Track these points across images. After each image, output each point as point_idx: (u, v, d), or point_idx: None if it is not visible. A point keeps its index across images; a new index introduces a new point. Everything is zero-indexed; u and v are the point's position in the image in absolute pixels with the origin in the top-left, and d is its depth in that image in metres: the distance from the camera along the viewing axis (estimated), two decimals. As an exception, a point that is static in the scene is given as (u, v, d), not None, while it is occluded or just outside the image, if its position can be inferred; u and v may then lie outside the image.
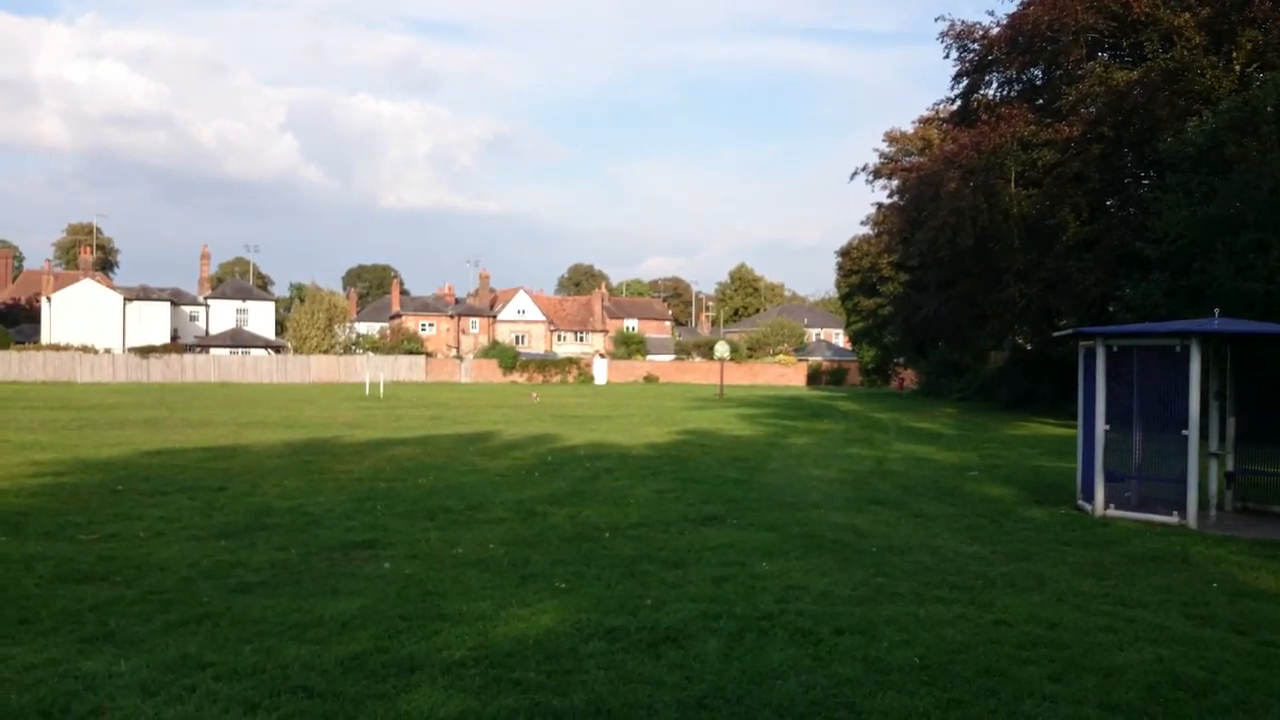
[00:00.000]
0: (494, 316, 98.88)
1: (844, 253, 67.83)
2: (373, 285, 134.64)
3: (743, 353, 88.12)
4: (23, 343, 70.60)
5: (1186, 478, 11.65)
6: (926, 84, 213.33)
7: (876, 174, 51.51)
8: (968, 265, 38.39)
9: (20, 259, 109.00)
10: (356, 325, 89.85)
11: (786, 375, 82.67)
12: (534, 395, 52.44)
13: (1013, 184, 35.67)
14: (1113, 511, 12.34)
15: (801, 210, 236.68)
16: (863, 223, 64.18)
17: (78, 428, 24.75)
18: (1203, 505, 12.15)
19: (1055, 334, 20.69)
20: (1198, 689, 5.89)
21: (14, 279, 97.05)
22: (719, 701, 5.53)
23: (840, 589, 8.25)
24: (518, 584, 8.30)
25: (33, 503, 12.32)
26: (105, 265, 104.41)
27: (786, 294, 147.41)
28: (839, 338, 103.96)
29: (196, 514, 11.62)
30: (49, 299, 73.68)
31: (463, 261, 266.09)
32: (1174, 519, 11.78)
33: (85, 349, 67.81)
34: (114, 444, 20.36)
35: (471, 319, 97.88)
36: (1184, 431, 11.52)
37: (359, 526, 10.92)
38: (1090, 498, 12.67)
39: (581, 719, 5.28)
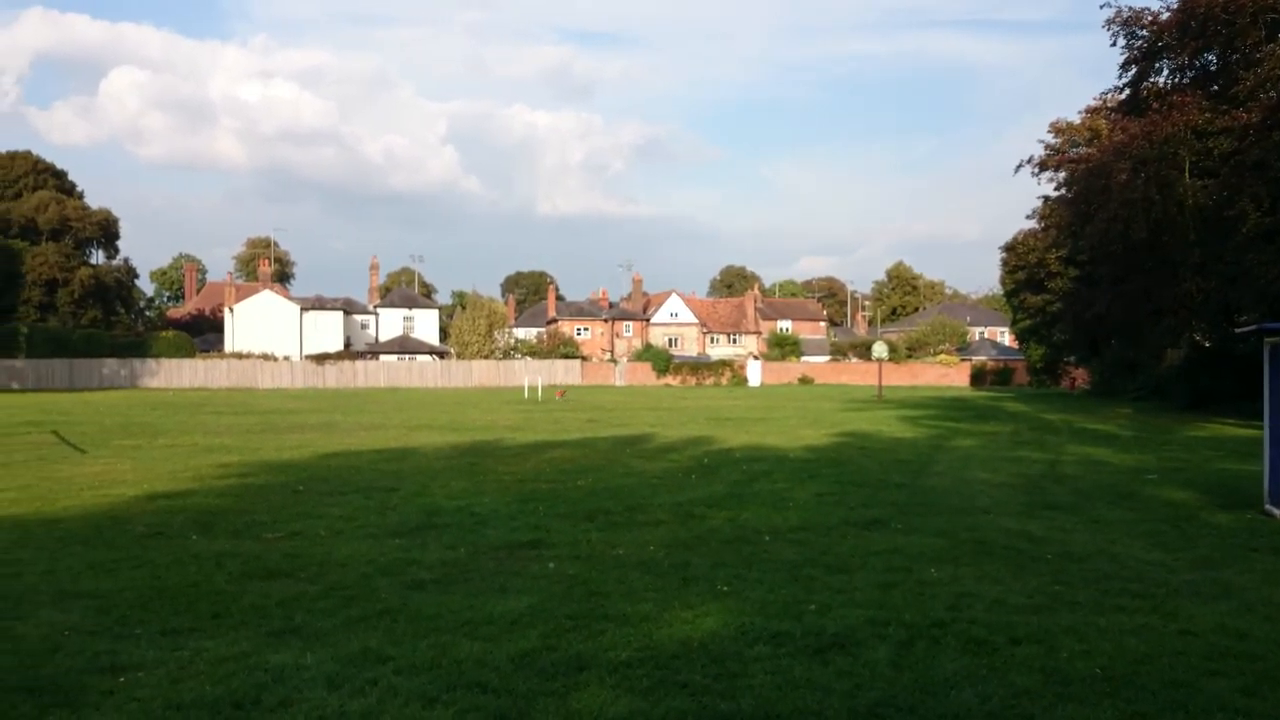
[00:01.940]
0: (647, 320, 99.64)
1: (1008, 248, 65.53)
2: (530, 291, 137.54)
3: (901, 353, 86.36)
4: (207, 351, 75.27)
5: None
6: (1088, 73, 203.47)
7: (1042, 166, 49.47)
8: (1141, 259, 36.70)
9: (204, 272, 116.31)
10: (515, 331, 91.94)
11: (948, 376, 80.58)
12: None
13: (1187, 174, 33.81)
14: (1307, 518, 11.62)
15: (961, 205, 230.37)
16: (1028, 216, 61.60)
17: (260, 431, 26.12)
18: None
19: (1237, 330, 19.55)
20: None
21: (198, 291, 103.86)
22: (891, 710, 5.43)
23: (1014, 597, 7.99)
24: (679, 586, 8.33)
25: (221, 503, 13.04)
26: (282, 277, 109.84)
27: (947, 292, 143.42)
28: (1004, 336, 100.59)
29: (372, 513, 12.10)
30: (231, 309, 78.09)
31: (615, 266, 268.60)
32: (1376, 526, 11.01)
33: (265, 357, 71.82)
34: (294, 446, 21.40)
35: (625, 323, 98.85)
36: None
37: (523, 527, 11.17)
38: (1279, 502, 11.95)
39: (750, 723, 5.26)
